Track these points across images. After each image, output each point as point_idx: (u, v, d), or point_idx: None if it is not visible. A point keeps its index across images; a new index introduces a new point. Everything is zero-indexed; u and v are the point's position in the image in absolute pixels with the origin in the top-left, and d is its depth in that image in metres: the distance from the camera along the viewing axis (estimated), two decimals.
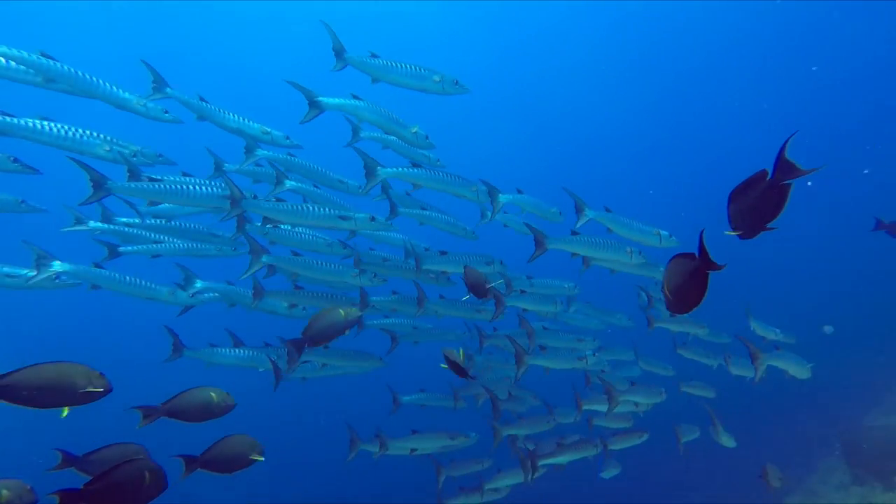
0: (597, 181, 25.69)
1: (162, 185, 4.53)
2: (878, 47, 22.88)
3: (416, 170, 4.64)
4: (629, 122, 26.76)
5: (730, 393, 7.48)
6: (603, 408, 5.99)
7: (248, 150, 5.10)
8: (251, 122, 5.14)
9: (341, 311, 3.62)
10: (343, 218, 4.69)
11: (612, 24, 23.85)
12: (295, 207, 4.63)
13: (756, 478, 6.45)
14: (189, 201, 4.71)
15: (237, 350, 5.61)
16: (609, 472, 7.00)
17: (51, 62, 4.24)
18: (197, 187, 4.64)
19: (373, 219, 4.82)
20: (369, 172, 4.54)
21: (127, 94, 4.58)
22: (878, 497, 9.50)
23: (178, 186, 4.58)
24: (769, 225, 2.54)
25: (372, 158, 4.59)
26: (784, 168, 2.41)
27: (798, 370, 5.60)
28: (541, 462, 5.80)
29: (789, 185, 2.43)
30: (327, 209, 4.76)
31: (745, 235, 2.60)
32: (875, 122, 24.92)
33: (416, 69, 4.36)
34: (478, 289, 4.59)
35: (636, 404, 6.32)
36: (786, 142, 2.41)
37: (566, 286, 5.75)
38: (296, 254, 5.32)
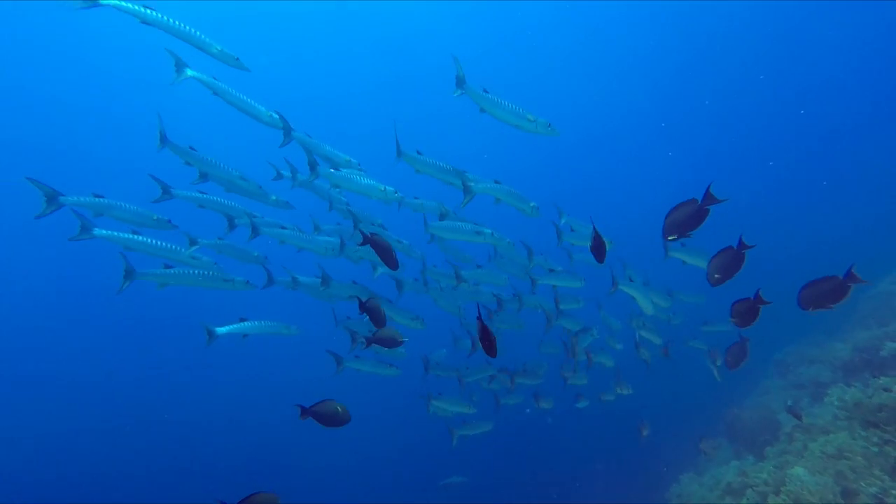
0: (593, 178, 26.86)
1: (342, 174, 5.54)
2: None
3: (498, 185, 5.30)
4: (623, 119, 28.41)
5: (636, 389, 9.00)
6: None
7: (312, 167, 5.74)
8: (338, 152, 6.05)
9: None
10: (478, 233, 5.34)
11: (607, 19, 25.39)
12: (454, 225, 5.55)
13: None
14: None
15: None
16: (582, 403, 8.99)
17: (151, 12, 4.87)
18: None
19: (492, 234, 5.73)
20: (466, 189, 5.13)
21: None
22: (750, 468, 11.05)
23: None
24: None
25: (466, 176, 5.15)
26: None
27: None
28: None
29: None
30: (469, 225, 5.63)
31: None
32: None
33: (516, 108, 5.01)
34: (386, 255, 4.91)
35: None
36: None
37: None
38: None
